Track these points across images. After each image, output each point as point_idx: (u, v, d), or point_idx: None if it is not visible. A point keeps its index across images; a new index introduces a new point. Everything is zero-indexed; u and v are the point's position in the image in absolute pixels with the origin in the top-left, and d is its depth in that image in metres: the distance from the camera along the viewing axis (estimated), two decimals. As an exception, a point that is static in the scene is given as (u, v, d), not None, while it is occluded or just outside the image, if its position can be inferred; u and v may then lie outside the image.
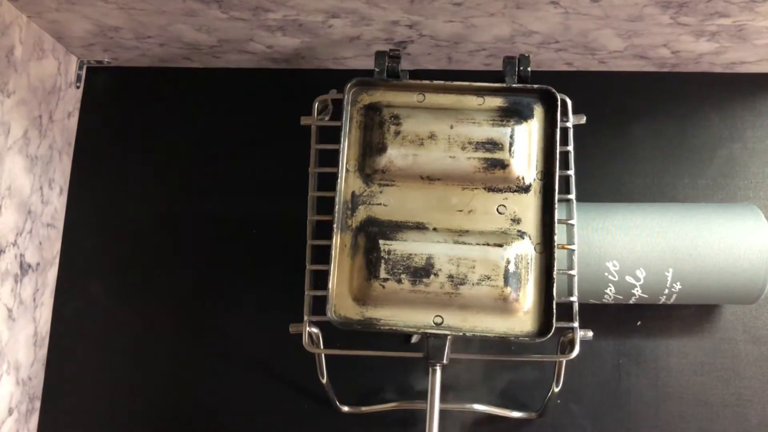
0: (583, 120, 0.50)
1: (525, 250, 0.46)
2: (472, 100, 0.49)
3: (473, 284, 0.45)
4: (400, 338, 0.58)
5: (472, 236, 0.46)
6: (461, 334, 0.45)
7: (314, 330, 0.48)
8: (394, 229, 0.47)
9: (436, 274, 0.45)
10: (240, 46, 0.61)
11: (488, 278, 0.45)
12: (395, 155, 0.47)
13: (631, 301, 0.54)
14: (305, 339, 0.47)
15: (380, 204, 0.47)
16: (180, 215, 0.63)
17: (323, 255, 0.47)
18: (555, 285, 0.45)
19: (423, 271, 0.45)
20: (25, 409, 0.58)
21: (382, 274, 0.45)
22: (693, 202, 0.58)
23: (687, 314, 0.59)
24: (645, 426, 0.57)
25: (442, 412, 0.48)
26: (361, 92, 0.49)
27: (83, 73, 0.66)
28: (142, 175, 0.64)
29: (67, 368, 0.60)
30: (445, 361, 0.45)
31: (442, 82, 0.49)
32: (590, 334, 0.46)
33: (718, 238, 0.52)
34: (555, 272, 0.45)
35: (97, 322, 0.61)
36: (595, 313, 0.56)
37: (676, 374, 0.58)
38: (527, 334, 0.45)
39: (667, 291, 0.52)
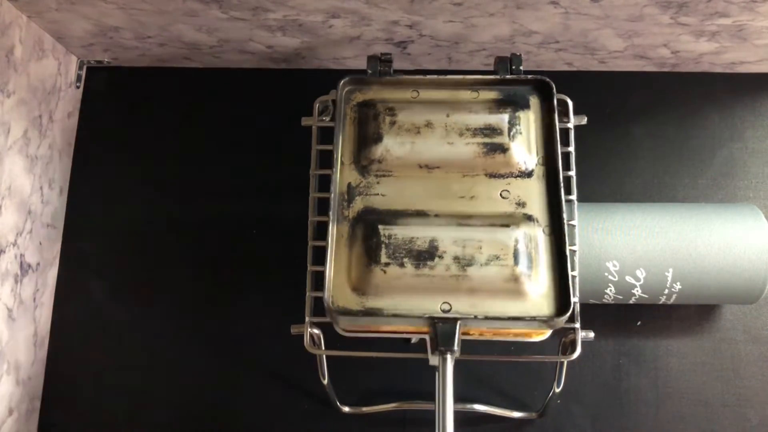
0: (584, 121, 0.49)
1: (533, 231, 0.45)
2: (467, 95, 0.49)
3: (482, 265, 0.43)
4: (400, 340, 0.58)
5: (476, 219, 0.45)
6: (472, 317, 0.42)
7: (315, 331, 0.48)
8: (394, 216, 0.45)
9: (440, 257, 0.43)
10: (240, 46, 0.61)
11: (497, 258, 0.43)
12: (391, 144, 0.46)
13: (631, 301, 0.54)
14: (307, 340, 0.47)
15: (378, 194, 0.46)
16: (180, 215, 0.63)
17: (324, 256, 0.47)
18: (569, 263, 0.43)
19: (427, 254, 0.43)
20: (25, 409, 0.58)
21: (383, 259, 0.43)
22: (693, 202, 0.58)
23: (687, 314, 0.59)
24: (645, 426, 0.57)
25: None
26: (355, 91, 0.49)
27: (83, 73, 0.66)
28: (142, 175, 0.64)
29: (67, 368, 0.60)
30: (455, 348, 0.41)
31: (435, 76, 0.49)
32: (591, 334, 0.46)
33: (718, 238, 0.52)
34: (567, 250, 0.43)
35: (97, 322, 0.61)
36: (595, 313, 0.56)
37: (676, 374, 0.58)
38: (544, 315, 0.42)
39: (667, 291, 0.52)
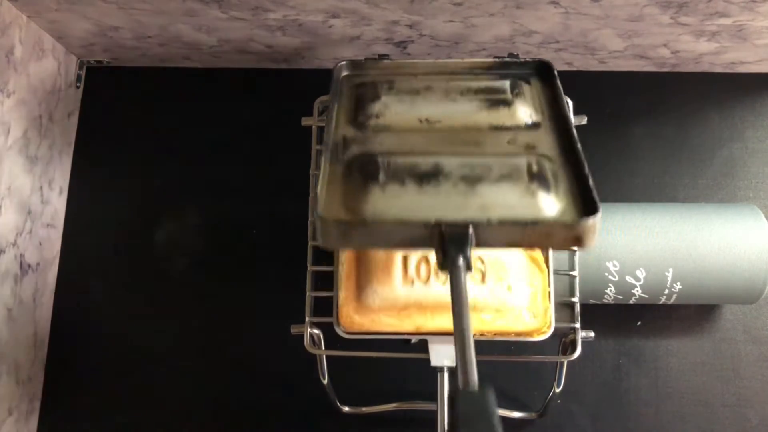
0: (584, 121, 0.49)
1: (547, 163, 0.40)
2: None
3: (493, 181, 0.38)
4: (400, 340, 0.58)
5: (484, 154, 0.41)
6: (485, 220, 0.35)
7: (315, 331, 0.48)
8: (394, 154, 0.41)
9: (447, 176, 0.39)
10: (240, 46, 0.61)
11: (509, 176, 0.39)
12: (390, 101, 0.45)
13: (631, 301, 0.54)
14: (307, 340, 0.47)
15: (375, 143, 0.43)
16: (180, 215, 0.63)
17: (324, 256, 0.47)
18: (591, 179, 0.38)
19: (431, 174, 0.39)
20: (25, 409, 0.58)
21: (382, 178, 0.39)
22: (693, 202, 0.58)
23: (687, 314, 0.59)
24: (645, 426, 0.57)
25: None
26: (352, 76, 0.49)
27: (83, 73, 0.65)
28: (142, 175, 0.64)
29: (67, 368, 0.60)
30: (468, 254, 0.34)
31: (432, 61, 0.49)
32: (592, 334, 0.46)
33: (718, 238, 0.52)
34: (587, 172, 0.39)
35: (97, 322, 0.61)
36: (595, 313, 0.56)
37: (676, 374, 0.58)
38: (568, 219, 0.37)
39: (667, 291, 0.52)
